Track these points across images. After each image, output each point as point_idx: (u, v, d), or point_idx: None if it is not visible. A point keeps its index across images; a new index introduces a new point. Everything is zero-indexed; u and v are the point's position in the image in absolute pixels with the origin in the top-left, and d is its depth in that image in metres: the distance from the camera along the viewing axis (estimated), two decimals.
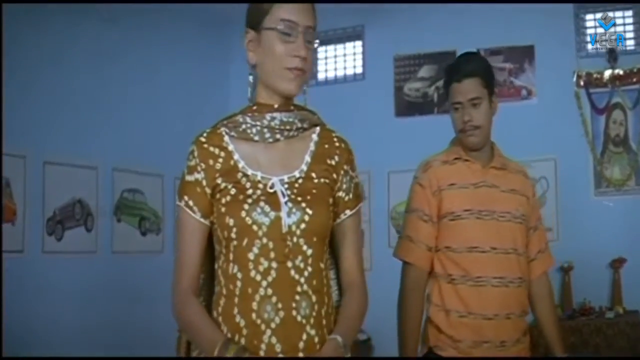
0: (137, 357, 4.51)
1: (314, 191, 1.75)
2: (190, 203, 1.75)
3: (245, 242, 1.68)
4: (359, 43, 6.18)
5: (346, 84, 6.17)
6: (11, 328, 3.96)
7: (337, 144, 1.85)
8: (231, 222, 1.68)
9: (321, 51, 6.34)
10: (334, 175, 1.81)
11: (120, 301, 4.86)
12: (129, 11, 5.09)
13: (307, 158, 1.79)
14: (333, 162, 1.82)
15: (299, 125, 1.79)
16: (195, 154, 1.76)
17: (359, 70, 6.15)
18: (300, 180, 1.75)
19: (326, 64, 6.31)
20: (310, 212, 1.71)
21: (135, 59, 5.22)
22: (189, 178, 1.77)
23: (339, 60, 6.27)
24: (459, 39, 5.67)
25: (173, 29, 5.61)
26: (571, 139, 5.20)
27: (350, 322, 1.79)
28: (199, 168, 1.75)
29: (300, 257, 1.69)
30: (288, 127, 1.77)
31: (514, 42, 5.41)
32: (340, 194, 1.82)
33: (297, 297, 1.67)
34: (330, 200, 1.79)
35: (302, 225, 1.70)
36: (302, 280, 1.68)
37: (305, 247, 1.70)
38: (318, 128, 1.85)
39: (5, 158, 4.15)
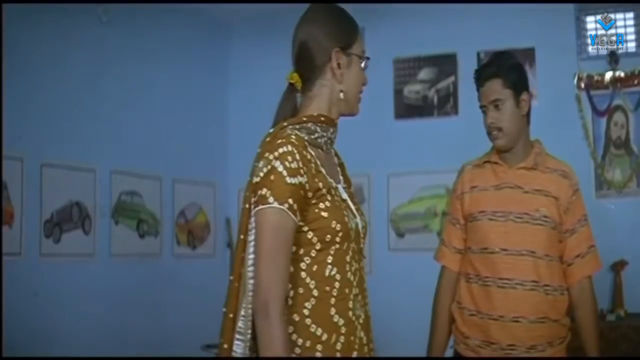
0: (136, 357, 4.50)
1: (355, 199, 1.95)
2: (295, 207, 1.72)
3: (345, 245, 1.80)
4: None
5: None
6: (9, 331, 3.94)
7: (341, 160, 2.02)
8: (338, 226, 1.78)
9: None
10: (351, 189, 2.00)
11: (118, 304, 4.84)
12: (127, 14, 5.08)
13: (339, 169, 1.97)
14: (347, 174, 2.02)
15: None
16: (297, 156, 1.75)
17: None
18: (346, 189, 1.93)
19: None
20: (364, 217, 1.94)
21: (133, 62, 5.20)
22: (291, 180, 1.72)
23: None
24: (459, 42, 5.66)
25: (172, 32, 5.59)
26: (572, 141, 5.16)
27: None
28: (302, 171, 1.75)
29: (363, 258, 1.91)
30: (334, 140, 1.95)
31: (514, 45, 5.37)
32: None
33: (366, 293, 1.89)
34: None
35: (364, 230, 1.92)
36: (365, 277, 1.89)
37: (363, 249, 1.92)
38: None
39: (2, 160, 4.13)
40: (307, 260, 1.76)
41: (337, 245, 1.77)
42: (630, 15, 5.26)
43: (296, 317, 1.74)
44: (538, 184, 2.59)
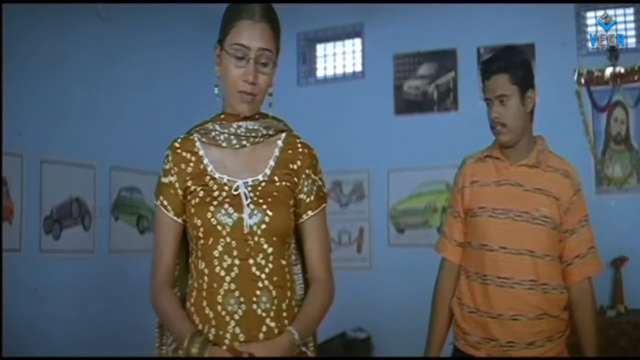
0: (136, 357, 4.49)
1: (275, 194, 1.89)
2: (165, 203, 1.91)
3: (210, 240, 1.84)
4: (358, 41, 6.15)
5: (345, 82, 6.15)
6: (9, 327, 3.94)
7: (300, 150, 1.97)
8: (199, 222, 1.84)
9: (320, 49, 6.33)
10: (295, 179, 1.93)
11: (118, 300, 4.83)
12: (127, 11, 5.07)
13: (271, 163, 1.92)
14: (295, 167, 1.94)
15: (264, 132, 1.92)
16: (170, 158, 1.93)
17: (359, 68, 6.13)
18: (263, 184, 1.89)
19: (325, 61, 6.30)
20: (270, 213, 1.85)
21: (133, 58, 5.20)
22: (164, 180, 1.93)
23: (338, 58, 6.25)
24: (458, 37, 5.65)
25: (172, 28, 5.59)
26: (572, 137, 5.16)
27: (309, 317, 1.89)
28: (172, 172, 1.91)
29: (261, 255, 1.84)
30: (254, 134, 1.91)
31: (515, 40, 5.34)
32: (301, 196, 1.94)
33: (258, 292, 1.82)
34: (291, 202, 1.92)
35: (263, 226, 1.84)
36: (263, 276, 1.83)
37: (266, 246, 1.85)
38: (284, 134, 1.97)
39: (2, 156, 4.13)
40: (193, 254, 1.89)
41: (202, 241, 1.84)
42: (631, 11, 5.26)
43: (187, 305, 1.88)
44: (539, 183, 2.57)
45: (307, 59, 6.26)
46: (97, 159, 4.89)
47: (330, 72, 6.26)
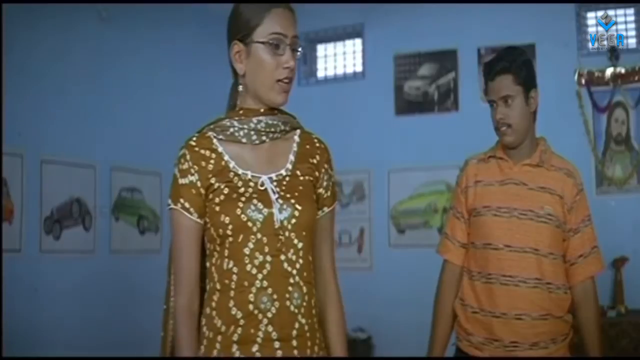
0: (137, 357, 4.49)
1: (300, 188, 1.87)
2: (187, 205, 1.82)
3: (240, 238, 1.78)
4: (358, 41, 6.16)
5: (346, 82, 6.15)
6: (9, 327, 3.94)
7: (317, 145, 1.96)
8: (227, 219, 1.78)
9: (321, 49, 6.33)
10: (316, 173, 1.92)
11: (119, 300, 4.84)
12: (127, 10, 5.07)
13: (291, 157, 1.90)
14: (314, 161, 1.93)
15: (282, 127, 1.90)
16: (188, 157, 1.85)
17: (359, 68, 6.13)
18: (287, 178, 1.86)
19: (326, 62, 6.30)
20: (299, 207, 1.83)
21: (133, 58, 5.19)
22: (182, 181, 1.84)
23: (339, 58, 6.25)
24: (459, 38, 5.65)
25: (172, 28, 5.59)
26: (572, 137, 5.15)
27: (343, 333, 1.96)
28: (192, 170, 1.83)
29: (292, 251, 1.81)
30: (273, 130, 1.88)
31: (515, 41, 5.32)
32: (321, 190, 1.94)
33: (290, 288, 1.79)
34: (314, 196, 1.91)
35: (293, 221, 1.82)
36: (295, 272, 1.81)
37: (296, 241, 1.82)
38: (298, 131, 1.96)
39: (2, 157, 4.12)
40: (215, 255, 1.82)
41: (231, 239, 1.78)
42: (631, 11, 5.26)
43: (207, 310, 1.82)
44: (543, 182, 2.58)
45: (308, 60, 6.26)
46: (97, 159, 4.89)
47: (330, 73, 6.27)
